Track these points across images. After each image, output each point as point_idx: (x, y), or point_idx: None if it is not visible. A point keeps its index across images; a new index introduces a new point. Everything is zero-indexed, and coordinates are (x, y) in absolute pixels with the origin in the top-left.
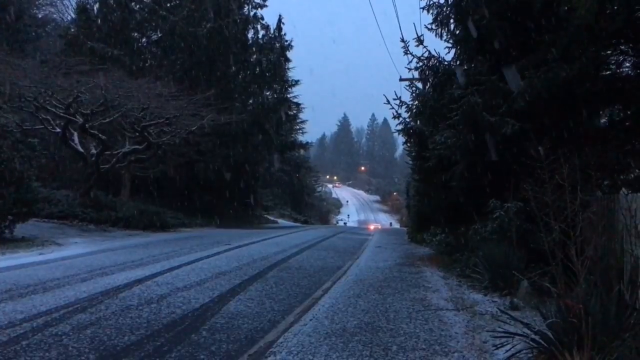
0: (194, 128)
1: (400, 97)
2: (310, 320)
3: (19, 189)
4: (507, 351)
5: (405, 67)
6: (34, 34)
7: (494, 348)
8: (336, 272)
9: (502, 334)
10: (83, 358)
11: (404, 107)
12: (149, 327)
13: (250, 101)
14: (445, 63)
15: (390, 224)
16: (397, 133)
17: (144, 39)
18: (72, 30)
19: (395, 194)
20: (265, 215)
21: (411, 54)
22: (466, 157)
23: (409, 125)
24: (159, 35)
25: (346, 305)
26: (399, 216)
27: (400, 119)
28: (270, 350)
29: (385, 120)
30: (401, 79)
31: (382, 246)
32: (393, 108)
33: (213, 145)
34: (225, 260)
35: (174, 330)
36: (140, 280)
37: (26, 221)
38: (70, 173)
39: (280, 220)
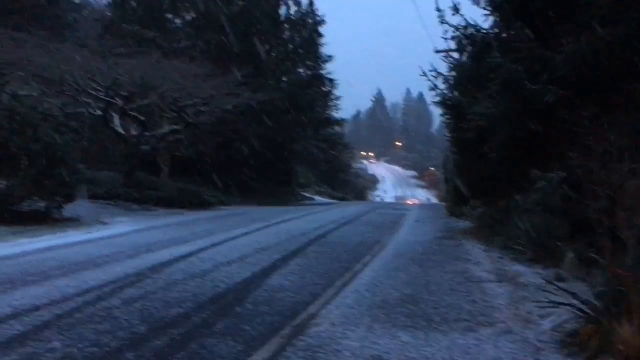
0: (229, 107)
1: (436, 68)
2: (352, 292)
3: (66, 170)
4: (552, 321)
5: (441, 37)
6: (71, 18)
7: (539, 318)
8: (375, 246)
9: (548, 304)
10: (134, 329)
11: (440, 78)
12: (194, 300)
13: (284, 78)
14: (483, 31)
15: (428, 199)
16: (434, 105)
17: (177, 20)
18: (108, 13)
19: (432, 169)
20: (302, 193)
21: (447, 23)
22: (506, 127)
23: (446, 97)
24: (192, 15)
25: (387, 278)
26: (436, 191)
27: (437, 90)
28: (313, 321)
29: (420, 94)
30: (437, 51)
31: (421, 220)
32: (430, 80)
33: (249, 124)
34: (264, 237)
35: (218, 303)
36: (185, 257)
37: (73, 202)
38: (112, 155)
39: (316, 197)
